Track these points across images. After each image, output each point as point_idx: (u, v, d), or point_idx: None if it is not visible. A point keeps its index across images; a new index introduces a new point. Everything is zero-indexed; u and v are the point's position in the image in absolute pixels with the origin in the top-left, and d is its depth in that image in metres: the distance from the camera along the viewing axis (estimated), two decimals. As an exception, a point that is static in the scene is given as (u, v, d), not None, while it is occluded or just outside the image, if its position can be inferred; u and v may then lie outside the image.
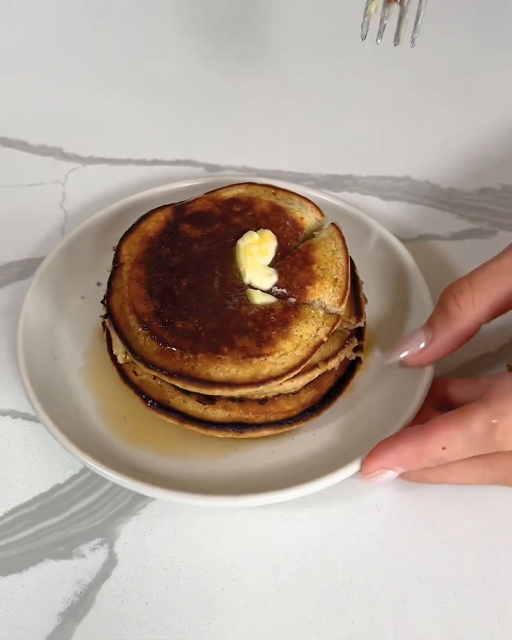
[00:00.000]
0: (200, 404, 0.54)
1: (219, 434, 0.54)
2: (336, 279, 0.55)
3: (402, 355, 0.53)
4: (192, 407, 0.54)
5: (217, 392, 0.51)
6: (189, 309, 0.53)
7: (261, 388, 0.51)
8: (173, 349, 0.52)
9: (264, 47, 0.86)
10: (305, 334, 0.53)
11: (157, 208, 0.61)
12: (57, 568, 0.50)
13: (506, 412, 0.45)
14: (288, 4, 0.87)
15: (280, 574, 0.50)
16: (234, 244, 0.56)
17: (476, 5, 0.89)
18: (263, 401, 0.54)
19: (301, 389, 0.55)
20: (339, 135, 0.80)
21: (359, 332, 0.58)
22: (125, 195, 0.69)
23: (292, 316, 0.53)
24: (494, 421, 0.45)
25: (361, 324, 0.57)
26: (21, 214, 0.73)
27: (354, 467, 0.50)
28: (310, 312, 0.53)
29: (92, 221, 0.66)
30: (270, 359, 0.51)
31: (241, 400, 0.54)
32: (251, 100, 0.84)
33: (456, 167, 0.78)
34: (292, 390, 0.54)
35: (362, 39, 0.56)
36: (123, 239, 0.59)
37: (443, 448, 0.47)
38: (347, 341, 0.56)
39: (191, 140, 0.80)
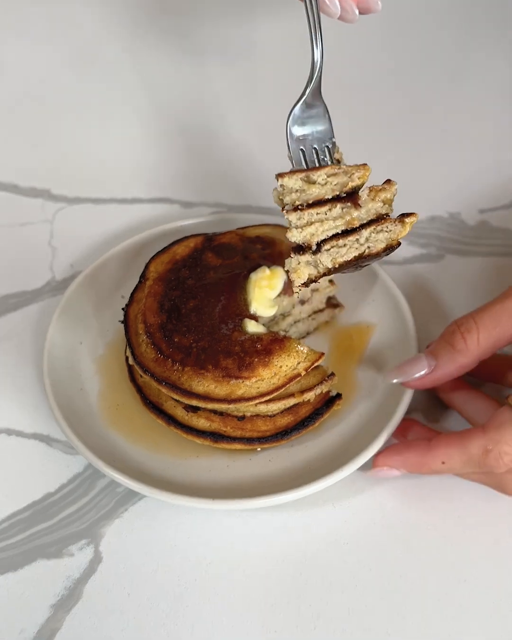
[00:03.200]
0: (186, 412, 0.60)
1: (198, 440, 0.60)
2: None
3: (406, 378, 0.58)
4: (180, 413, 0.61)
5: (194, 402, 0.57)
6: (188, 326, 0.60)
7: (232, 406, 0.57)
8: (167, 359, 0.59)
9: (230, 90, 0.92)
10: (285, 365, 0.58)
11: (191, 235, 0.69)
12: (49, 566, 0.57)
13: (500, 440, 0.52)
14: (257, 46, 0.93)
15: (246, 565, 0.56)
16: (246, 276, 0.62)
17: (418, 33, 0.96)
18: (241, 418, 0.60)
19: (277, 413, 0.60)
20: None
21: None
22: (117, 230, 0.77)
23: (277, 348, 0.59)
24: (489, 447, 0.52)
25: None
26: (13, 251, 0.80)
27: (304, 491, 0.55)
28: (294, 347, 0.59)
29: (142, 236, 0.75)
30: (247, 382, 0.57)
31: (222, 414, 0.60)
32: (218, 141, 0.90)
33: (407, 196, 0.84)
34: (268, 413, 0.60)
35: None
36: (154, 257, 0.67)
37: (442, 462, 0.55)
38: (326, 378, 0.61)
39: (166, 179, 0.87)
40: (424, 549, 0.57)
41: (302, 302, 0.66)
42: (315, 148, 0.56)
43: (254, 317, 0.61)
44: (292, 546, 0.57)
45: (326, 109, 0.56)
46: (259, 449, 0.61)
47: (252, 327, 0.59)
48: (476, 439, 0.53)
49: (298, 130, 0.56)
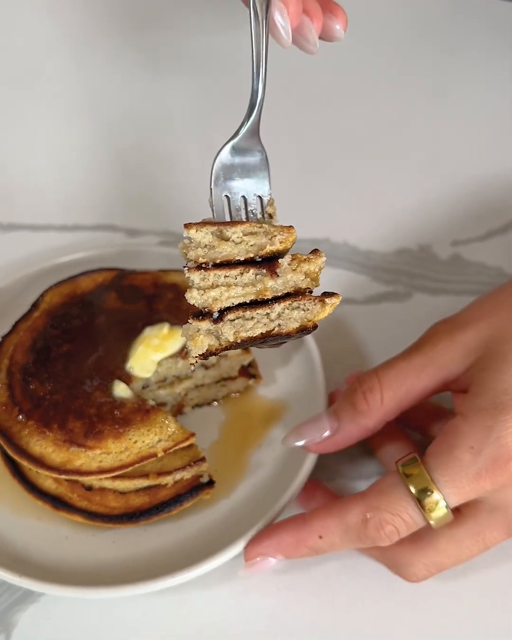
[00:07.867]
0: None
1: (38, 501, 0.53)
2: None
3: (305, 441, 0.52)
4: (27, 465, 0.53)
5: (25, 462, 0.51)
6: (51, 373, 0.54)
7: (65, 477, 0.50)
8: (15, 406, 0.52)
9: (187, 108, 0.83)
10: (140, 442, 0.51)
11: (105, 268, 0.62)
12: None
13: (380, 507, 0.46)
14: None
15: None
16: (141, 329, 0.55)
17: (400, 65, 0.84)
18: (88, 488, 0.52)
19: (131, 491, 0.52)
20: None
21: None
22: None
23: (137, 419, 0.52)
24: (368, 515, 0.46)
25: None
26: None
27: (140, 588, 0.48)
28: (160, 421, 0.52)
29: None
30: (89, 452, 0.50)
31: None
32: (171, 163, 0.82)
33: (375, 227, 0.75)
34: (116, 489, 0.52)
35: None
36: (53, 286, 0.60)
37: (320, 537, 0.47)
38: (194, 462, 0.52)
39: (112, 204, 0.78)
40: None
41: (207, 366, 0.59)
42: (244, 197, 0.48)
43: (129, 377, 0.54)
44: (231, 631, 0.50)
45: (265, 155, 0.47)
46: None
47: (119, 390, 0.52)
48: (354, 506, 0.47)
49: (226, 175, 0.47)
